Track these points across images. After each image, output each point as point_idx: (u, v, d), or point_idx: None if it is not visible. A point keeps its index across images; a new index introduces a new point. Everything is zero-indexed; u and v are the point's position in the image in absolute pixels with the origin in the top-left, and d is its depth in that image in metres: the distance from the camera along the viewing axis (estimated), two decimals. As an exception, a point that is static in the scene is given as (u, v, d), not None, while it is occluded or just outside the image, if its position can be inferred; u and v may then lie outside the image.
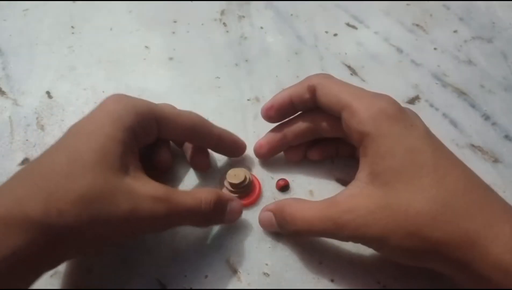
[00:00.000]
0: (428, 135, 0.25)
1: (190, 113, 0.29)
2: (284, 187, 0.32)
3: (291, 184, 0.32)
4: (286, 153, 0.32)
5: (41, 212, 0.21)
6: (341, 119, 0.27)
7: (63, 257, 0.23)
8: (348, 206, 0.24)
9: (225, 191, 0.30)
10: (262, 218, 0.29)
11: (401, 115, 0.25)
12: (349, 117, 0.26)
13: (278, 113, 0.30)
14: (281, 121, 0.31)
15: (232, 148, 0.31)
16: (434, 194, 0.23)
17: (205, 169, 0.32)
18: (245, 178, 0.30)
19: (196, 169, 0.32)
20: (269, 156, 0.32)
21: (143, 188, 0.24)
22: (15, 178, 0.23)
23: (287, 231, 0.27)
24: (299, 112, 0.31)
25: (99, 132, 0.24)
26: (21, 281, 0.22)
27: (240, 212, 0.29)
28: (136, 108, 0.26)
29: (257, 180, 0.32)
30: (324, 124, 0.29)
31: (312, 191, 0.32)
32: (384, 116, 0.25)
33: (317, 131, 0.30)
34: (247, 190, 0.30)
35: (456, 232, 0.22)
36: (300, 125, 0.30)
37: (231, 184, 0.30)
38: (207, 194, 0.26)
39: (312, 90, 0.28)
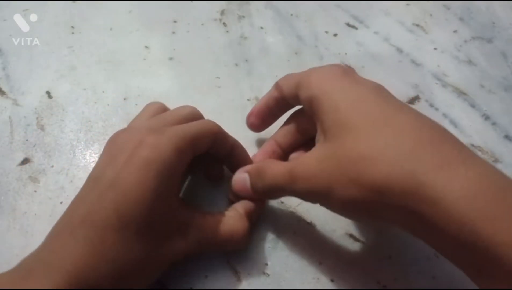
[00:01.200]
0: (377, 89, 0.24)
1: (209, 123, 0.28)
2: None
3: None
4: None
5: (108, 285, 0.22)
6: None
7: None
8: (302, 159, 0.24)
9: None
10: (237, 179, 0.28)
11: (347, 75, 0.25)
12: (300, 90, 0.26)
13: (258, 117, 0.31)
14: (265, 127, 0.32)
15: (242, 158, 0.31)
16: (377, 137, 0.21)
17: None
18: None
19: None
20: None
21: (178, 245, 0.25)
22: (70, 234, 0.22)
23: (258, 189, 0.27)
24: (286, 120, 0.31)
25: (144, 196, 0.23)
26: None
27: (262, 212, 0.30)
28: (175, 149, 0.24)
29: None
30: (304, 120, 0.29)
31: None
32: (329, 77, 0.25)
33: (302, 130, 0.30)
34: None
35: (399, 174, 0.20)
36: (286, 129, 0.31)
37: None
38: (238, 237, 0.27)
39: (279, 88, 0.29)
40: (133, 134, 0.25)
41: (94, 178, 0.24)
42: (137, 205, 0.22)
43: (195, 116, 0.29)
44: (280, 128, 0.31)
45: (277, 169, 0.25)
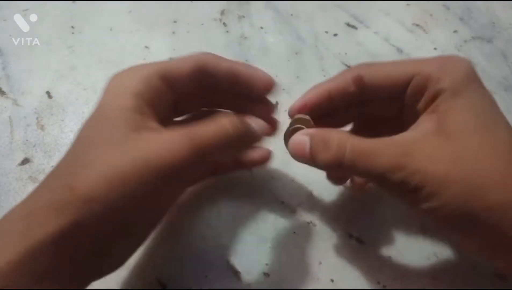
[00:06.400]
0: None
1: (195, 54, 0.25)
2: None
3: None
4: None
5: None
6: (404, 93, 0.25)
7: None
8: (407, 148, 0.22)
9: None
10: (296, 141, 0.24)
11: (476, 75, 0.24)
12: (423, 81, 0.24)
13: (313, 112, 0.26)
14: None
15: (247, 77, 0.26)
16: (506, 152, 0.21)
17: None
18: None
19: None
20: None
21: (159, 136, 0.22)
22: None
23: (321, 159, 0.23)
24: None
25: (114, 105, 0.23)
26: None
27: (266, 127, 0.26)
28: (141, 74, 0.25)
29: None
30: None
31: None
32: (462, 74, 0.23)
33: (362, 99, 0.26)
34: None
35: None
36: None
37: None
38: (231, 118, 0.24)
39: (359, 80, 0.25)
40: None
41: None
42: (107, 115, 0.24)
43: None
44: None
45: (366, 145, 0.22)
